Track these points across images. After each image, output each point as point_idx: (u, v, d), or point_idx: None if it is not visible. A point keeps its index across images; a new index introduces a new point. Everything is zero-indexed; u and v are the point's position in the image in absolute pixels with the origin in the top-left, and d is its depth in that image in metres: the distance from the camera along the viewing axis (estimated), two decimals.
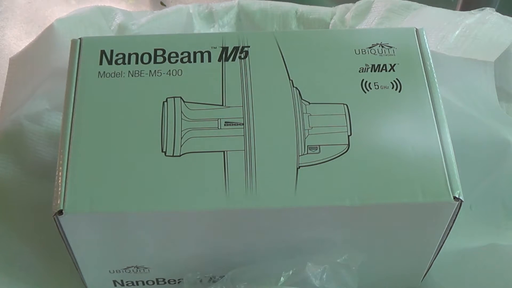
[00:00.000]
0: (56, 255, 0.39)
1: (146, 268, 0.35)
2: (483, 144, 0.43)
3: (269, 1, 0.56)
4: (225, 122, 0.33)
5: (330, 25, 0.54)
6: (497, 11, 0.48)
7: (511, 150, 0.43)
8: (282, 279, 0.34)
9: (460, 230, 0.35)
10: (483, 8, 0.49)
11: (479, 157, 0.43)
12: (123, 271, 0.36)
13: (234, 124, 0.33)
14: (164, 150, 0.32)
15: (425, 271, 0.38)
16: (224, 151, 0.32)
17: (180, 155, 0.32)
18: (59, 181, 0.31)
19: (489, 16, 0.48)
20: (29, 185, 0.42)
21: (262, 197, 0.31)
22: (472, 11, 0.49)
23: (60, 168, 0.32)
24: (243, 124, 0.33)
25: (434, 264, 0.37)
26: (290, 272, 0.34)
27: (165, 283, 0.37)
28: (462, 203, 0.32)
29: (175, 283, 0.37)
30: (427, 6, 0.52)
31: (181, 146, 0.32)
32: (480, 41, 0.46)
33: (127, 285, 0.37)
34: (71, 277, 0.38)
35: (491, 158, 0.43)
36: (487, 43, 0.46)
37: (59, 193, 0.31)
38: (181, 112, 0.33)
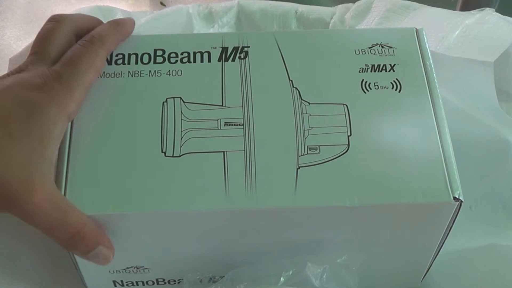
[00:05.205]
0: (56, 255, 0.39)
1: (146, 268, 0.35)
2: (483, 144, 0.43)
3: (269, 1, 0.56)
4: (225, 122, 0.33)
5: (330, 25, 0.54)
6: (497, 11, 0.48)
7: (511, 150, 0.42)
8: (282, 279, 0.34)
9: (460, 230, 0.35)
10: (483, 8, 0.49)
11: (479, 157, 0.43)
12: (123, 272, 0.36)
13: (234, 125, 0.33)
14: (164, 151, 0.32)
15: (425, 271, 0.38)
16: (224, 152, 0.32)
17: (180, 156, 0.32)
18: (59, 182, 0.31)
19: (489, 16, 0.48)
20: None
21: (262, 197, 0.31)
22: (472, 11, 0.49)
23: (60, 168, 0.32)
24: (243, 124, 0.33)
25: (434, 264, 0.37)
26: (290, 272, 0.34)
27: (165, 283, 0.37)
28: (462, 203, 0.32)
29: (175, 283, 0.37)
30: (427, 6, 0.52)
31: (181, 147, 0.32)
32: (480, 42, 0.46)
33: (127, 285, 0.37)
34: (71, 277, 0.38)
35: (491, 158, 0.43)
36: (487, 43, 0.46)
37: None
38: (181, 112, 0.33)
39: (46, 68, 0.32)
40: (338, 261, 0.35)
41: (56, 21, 0.34)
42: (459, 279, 0.40)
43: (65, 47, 0.33)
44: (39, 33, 0.34)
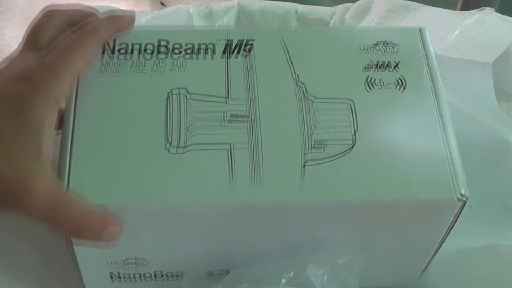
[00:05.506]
0: (56, 255, 0.38)
1: (145, 260, 0.35)
2: (483, 144, 0.43)
3: (269, 1, 0.56)
4: (231, 116, 0.33)
5: (330, 25, 0.54)
6: (496, 11, 0.48)
7: (511, 150, 0.43)
8: (283, 280, 0.34)
9: (460, 230, 0.35)
10: (482, 8, 0.49)
11: (479, 157, 0.43)
12: (121, 263, 0.35)
13: (239, 117, 0.33)
14: (168, 145, 0.32)
15: (423, 269, 0.38)
16: (229, 146, 0.32)
17: (185, 149, 0.32)
18: (62, 175, 0.31)
19: (488, 16, 0.48)
20: None
21: (267, 192, 0.31)
22: (471, 11, 0.49)
23: (63, 162, 0.31)
24: (248, 117, 0.33)
25: (434, 263, 0.37)
26: (291, 274, 0.34)
27: (162, 276, 0.37)
28: (465, 202, 0.32)
29: (172, 276, 0.37)
30: (427, 6, 0.52)
31: (186, 140, 0.32)
32: (479, 42, 0.46)
33: (123, 277, 0.36)
34: (71, 277, 0.38)
35: (491, 158, 0.43)
36: (486, 43, 0.46)
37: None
38: (186, 106, 0.33)
39: (33, 56, 0.31)
40: (339, 262, 0.35)
41: (49, 13, 0.33)
42: (459, 279, 0.40)
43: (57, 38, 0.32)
44: (32, 25, 0.33)
